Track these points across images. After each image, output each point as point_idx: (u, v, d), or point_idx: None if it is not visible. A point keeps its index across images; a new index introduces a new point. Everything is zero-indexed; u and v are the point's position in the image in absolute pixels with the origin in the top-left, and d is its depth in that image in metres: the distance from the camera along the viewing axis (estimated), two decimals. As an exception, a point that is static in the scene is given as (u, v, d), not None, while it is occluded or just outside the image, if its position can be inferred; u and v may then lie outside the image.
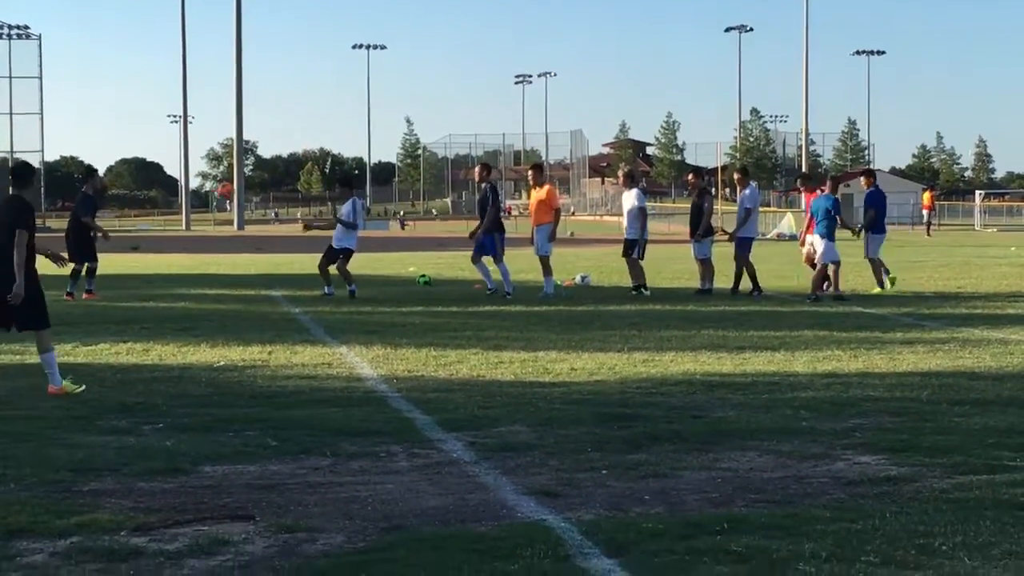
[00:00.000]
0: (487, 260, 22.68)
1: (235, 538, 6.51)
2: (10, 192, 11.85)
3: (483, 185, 23.07)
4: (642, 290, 22.47)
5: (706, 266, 23.10)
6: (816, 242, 21.93)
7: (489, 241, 22.43)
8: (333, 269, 22.17)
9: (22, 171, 12.37)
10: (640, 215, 23.05)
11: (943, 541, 6.28)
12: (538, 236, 22.69)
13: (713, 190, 29.43)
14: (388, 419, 9.97)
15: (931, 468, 8.08)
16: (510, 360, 13.37)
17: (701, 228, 23.12)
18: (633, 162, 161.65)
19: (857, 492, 7.49)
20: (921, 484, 7.65)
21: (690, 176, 25.16)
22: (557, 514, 6.96)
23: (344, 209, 22.42)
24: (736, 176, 25.51)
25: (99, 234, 22.74)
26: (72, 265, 21.72)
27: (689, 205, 24.72)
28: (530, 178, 23.95)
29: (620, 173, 25.33)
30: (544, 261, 22.56)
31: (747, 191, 23.69)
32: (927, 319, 17.99)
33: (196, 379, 12.16)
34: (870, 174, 25.43)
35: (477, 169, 23.88)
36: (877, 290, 23.05)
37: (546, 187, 23.06)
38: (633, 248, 22.89)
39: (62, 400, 10.87)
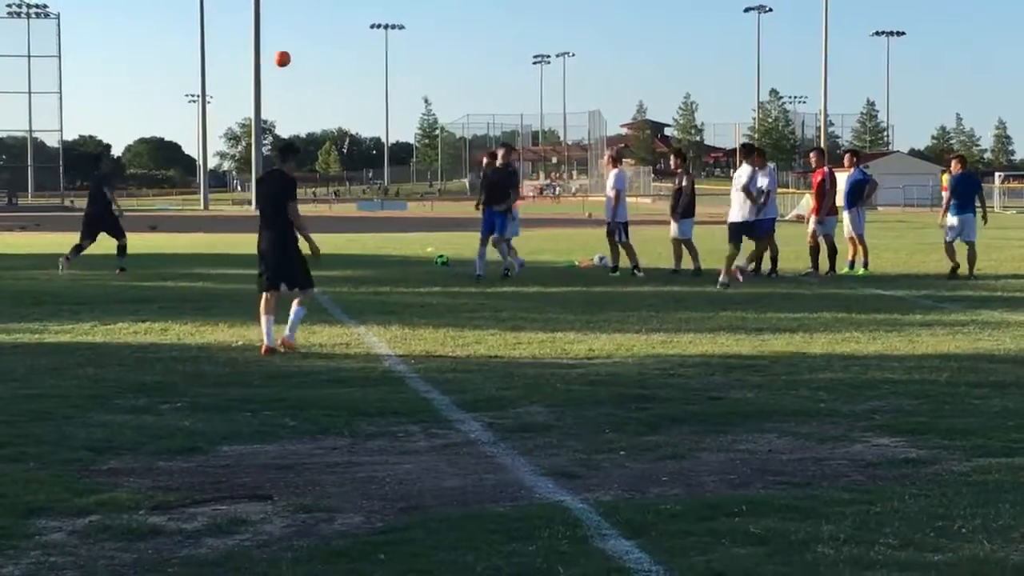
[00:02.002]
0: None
1: (253, 518, 6.52)
2: (274, 167, 13.25)
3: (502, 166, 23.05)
4: (635, 271, 22.44)
5: (689, 247, 23.09)
6: (958, 222, 22.25)
7: (501, 219, 22.36)
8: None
9: (290, 148, 13.82)
10: (614, 196, 23.02)
11: (962, 524, 6.26)
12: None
13: (732, 171, 29.14)
14: (406, 399, 9.97)
15: (950, 451, 8.06)
16: (528, 341, 13.36)
17: (680, 208, 23.12)
18: (651, 142, 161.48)
19: (876, 474, 7.48)
20: (940, 467, 7.64)
21: (672, 157, 25.08)
22: (575, 495, 6.96)
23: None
24: (755, 159, 25.35)
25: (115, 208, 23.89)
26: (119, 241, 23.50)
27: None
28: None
29: (607, 154, 25.35)
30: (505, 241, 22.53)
31: (769, 171, 23.56)
32: (946, 301, 17.93)
33: (214, 359, 12.18)
34: (855, 154, 25.22)
35: (502, 152, 23.41)
36: (846, 270, 23.07)
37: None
38: (613, 232, 22.88)
39: (81, 379, 10.89)
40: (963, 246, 22.43)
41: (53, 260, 23.77)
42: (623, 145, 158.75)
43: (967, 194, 22.81)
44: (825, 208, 22.96)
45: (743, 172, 21.52)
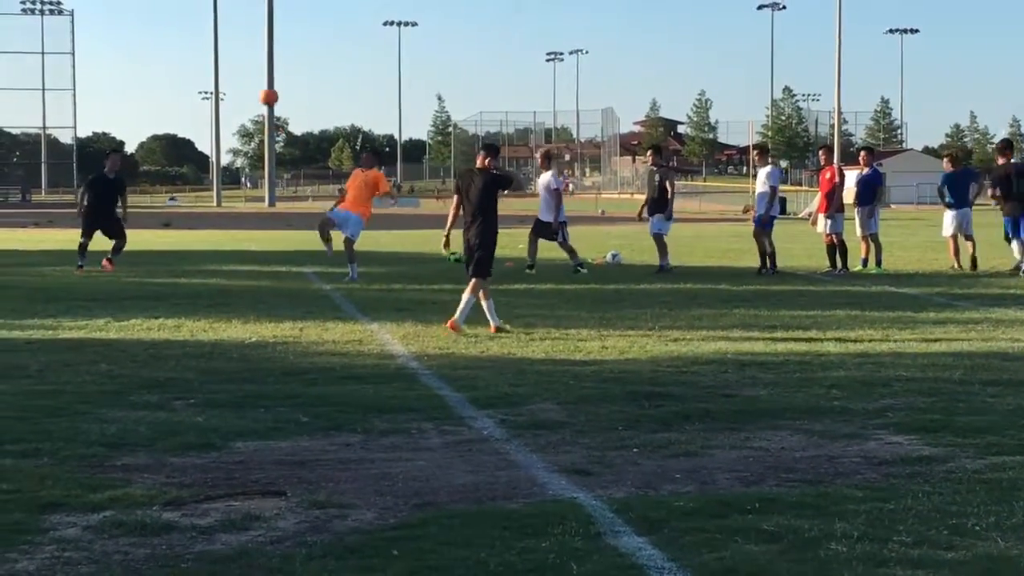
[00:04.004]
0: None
1: (266, 514, 6.52)
2: (475, 165, 14.64)
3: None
4: (580, 269, 22.58)
5: (660, 244, 23.08)
6: (957, 217, 23.56)
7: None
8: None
9: (495, 147, 15.44)
10: (555, 197, 23.03)
11: (976, 522, 6.25)
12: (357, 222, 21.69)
13: (746, 169, 29.08)
14: (419, 396, 9.98)
15: (964, 448, 8.05)
16: (541, 338, 13.36)
17: (669, 207, 23.11)
18: (665, 139, 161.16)
19: (889, 472, 7.47)
20: (954, 464, 7.62)
21: (649, 153, 24.99)
22: (588, 492, 6.95)
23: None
24: (756, 154, 25.35)
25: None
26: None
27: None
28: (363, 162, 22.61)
29: (538, 155, 25.22)
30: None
31: (768, 169, 23.46)
32: (960, 299, 17.89)
33: (228, 355, 12.19)
34: (870, 152, 25.39)
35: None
36: (859, 268, 23.14)
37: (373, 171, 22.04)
38: (555, 234, 22.91)
39: (95, 375, 10.92)
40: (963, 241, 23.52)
41: (66, 257, 23.84)
42: (637, 143, 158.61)
43: (963, 190, 23.77)
44: (834, 206, 22.95)
45: None
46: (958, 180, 24.12)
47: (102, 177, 23.39)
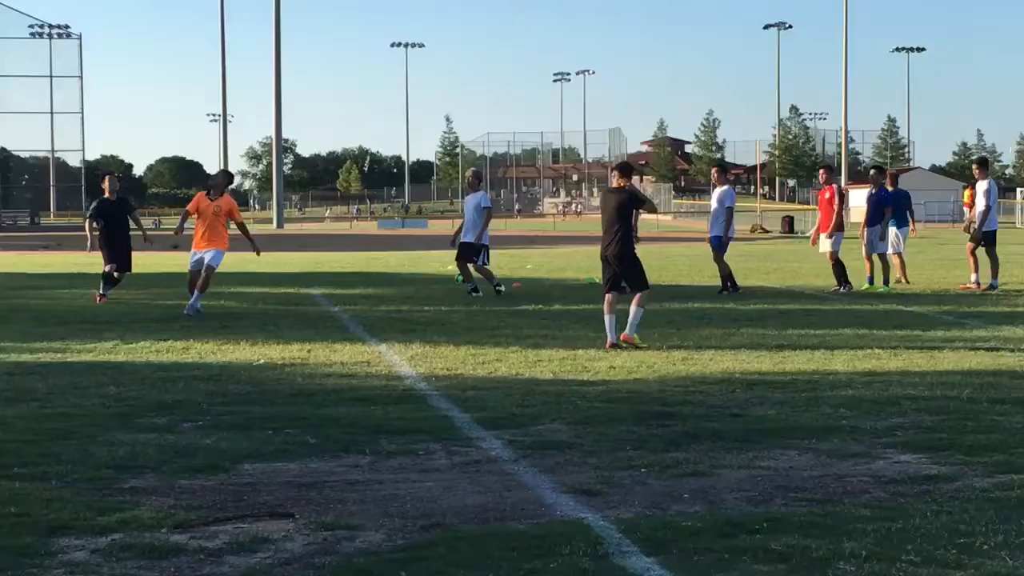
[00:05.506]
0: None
1: (275, 536, 6.53)
2: (611, 184, 15.54)
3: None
4: (499, 288, 22.13)
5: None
6: (898, 235, 24.35)
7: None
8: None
9: (629, 166, 16.13)
10: (484, 217, 22.56)
11: (984, 540, 6.24)
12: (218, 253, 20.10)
13: (753, 188, 28.98)
14: (427, 417, 9.99)
15: (972, 467, 8.04)
16: (549, 358, 13.36)
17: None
18: (671, 160, 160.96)
19: (897, 491, 7.46)
20: (962, 483, 7.61)
21: (616, 175, 24.80)
22: (596, 512, 6.96)
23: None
24: (714, 173, 25.00)
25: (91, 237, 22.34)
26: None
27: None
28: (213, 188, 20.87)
29: (468, 174, 24.72)
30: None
31: (725, 188, 23.25)
32: (968, 317, 17.87)
33: (236, 377, 12.20)
34: (880, 171, 25.68)
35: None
36: (867, 286, 23.19)
37: (225, 199, 20.51)
38: (478, 253, 22.46)
39: (103, 398, 10.93)
40: (891, 257, 24.14)
41: (75, 280, 23.83)
42: (645, 163, 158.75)
43: (903, 208, 24.65)
44: (835, 225, 22.86)
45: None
46: (899, 199, 24.72)
47: (105, 201, 21.93)
